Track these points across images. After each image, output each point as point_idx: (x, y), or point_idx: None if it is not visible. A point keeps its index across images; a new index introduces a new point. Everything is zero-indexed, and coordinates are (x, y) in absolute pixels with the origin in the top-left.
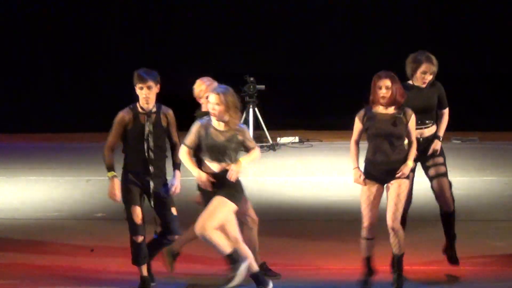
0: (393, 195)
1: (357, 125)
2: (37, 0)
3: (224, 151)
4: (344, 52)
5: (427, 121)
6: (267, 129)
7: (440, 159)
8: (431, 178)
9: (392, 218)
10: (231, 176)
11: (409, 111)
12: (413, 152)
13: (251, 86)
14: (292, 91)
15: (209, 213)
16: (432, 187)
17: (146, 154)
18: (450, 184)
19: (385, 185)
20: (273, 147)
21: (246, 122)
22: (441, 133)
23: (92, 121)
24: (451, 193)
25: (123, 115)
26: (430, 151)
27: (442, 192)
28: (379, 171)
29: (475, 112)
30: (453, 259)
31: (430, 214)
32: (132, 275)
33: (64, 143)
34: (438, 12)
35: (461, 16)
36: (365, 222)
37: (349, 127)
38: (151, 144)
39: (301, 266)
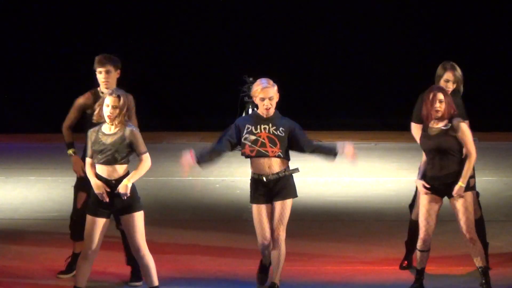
0: (461, 209)
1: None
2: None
3: (113, 153)
4: (344, 53)
5: None
6: None
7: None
8: None
9: (467, 230)
10: (122, 189)
11: (456, 122)
12: (467, 169)
13: (250, 87)
14: (291, 92)
15: (132, 235)
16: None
17: None
18: (477, 193)
19: (450, 199)
20: None
21: None
22: None
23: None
24: (477, 202)
25: (83, 101)
26: None
27: None
28: (436, 185)
29: (474, 112)
30: None
31: None
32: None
33: (64, 143)
34: (436, 13)
35: (460, 15)
36: (421, 233)
37: (348, 127)
38: None
39: (301, 267)
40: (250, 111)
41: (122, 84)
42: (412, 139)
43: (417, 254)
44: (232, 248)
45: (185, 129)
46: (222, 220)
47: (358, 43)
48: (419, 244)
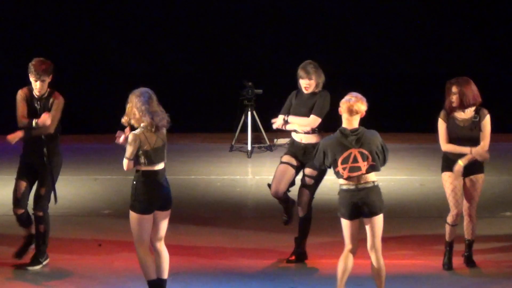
0: (470, 190)
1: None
2: None
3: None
4: (343, 54)
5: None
6: (265, 131)
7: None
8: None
9: (469, 207)
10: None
11: (483, 112)
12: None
13: (249, 91)
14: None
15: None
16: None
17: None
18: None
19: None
20: (270, 148)
21: (245, 124)
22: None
23: (93, 123)
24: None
25: None
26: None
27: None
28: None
29: None
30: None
31: (414, 211)
32: (137, 268)
33: (73, 144)
34: (448, 13)
35: (464, 16)
36: (454, 210)
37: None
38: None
39: (301, 265)
40: (249, 114)
41: (124, 84)
42: (410, 139)
43: (447, 227)
44: (233, 245)
45: (186, 131)
46: (223, 217)
47: (357, 43)
48: (450, 219)
